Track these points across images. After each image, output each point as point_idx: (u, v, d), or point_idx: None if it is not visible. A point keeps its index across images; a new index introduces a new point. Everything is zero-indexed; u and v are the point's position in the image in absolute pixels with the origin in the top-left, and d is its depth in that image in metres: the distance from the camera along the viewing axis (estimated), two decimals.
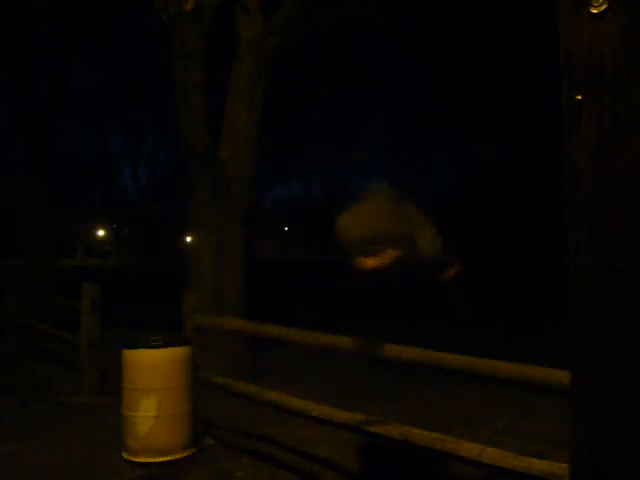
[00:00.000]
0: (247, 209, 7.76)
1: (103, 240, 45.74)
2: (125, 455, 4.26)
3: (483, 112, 20.72)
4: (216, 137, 7.59)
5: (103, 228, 45.17)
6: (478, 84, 18.90)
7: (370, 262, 3.09)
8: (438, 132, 27.89)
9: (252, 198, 8.29)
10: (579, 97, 1.36)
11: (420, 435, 3.04)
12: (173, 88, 7.58)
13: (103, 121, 30.99)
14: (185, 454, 4.28)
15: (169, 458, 4.20)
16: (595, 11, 1.31)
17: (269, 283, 17.26)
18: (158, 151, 32.38)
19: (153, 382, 4.22)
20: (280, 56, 7.86)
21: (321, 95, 22.31)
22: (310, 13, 7.83)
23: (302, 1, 7.54)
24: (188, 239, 14.07)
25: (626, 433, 1.44)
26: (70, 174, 28.88)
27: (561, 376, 2.28)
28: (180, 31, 7.24)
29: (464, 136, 25.69)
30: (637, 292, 1.36)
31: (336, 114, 27.60)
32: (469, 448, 2.85)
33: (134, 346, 4.33)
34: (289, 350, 6.49)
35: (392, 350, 3.14)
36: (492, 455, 2.76)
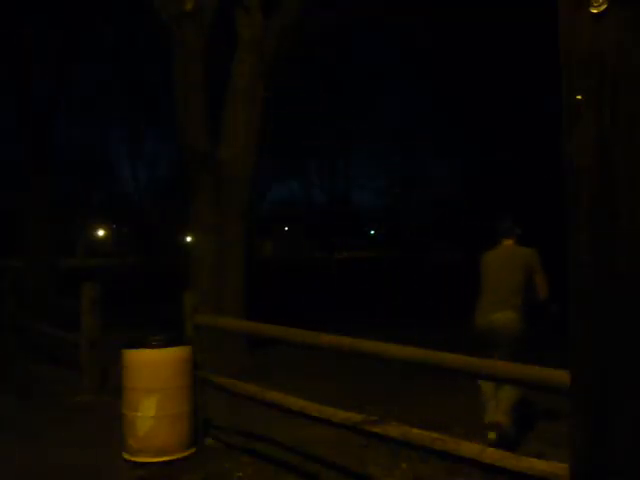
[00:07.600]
0: (247, 209, 7.77)
1: (103, 240, 45.74)
2: (125, 455, 4.26)
3: (481, 115, 20.72)
4: (216, 138, 7.58)
5: (103, 228, 45.19)
6: (477, 88, 18.91)
7: None
8: (439, 132, 27.87)
9: (252, 198, 8.30)
10: (579, 97, 1.36)
11: (420, 435, 3.04)
12: (173, 88, 7.58)
13: (104, 121, 30.99)
14: (184, 454, 4.28)
15: (168, 458, 4.19)
16: (595, 11, 1.31)
17: (269, 283, 17.26)
18: (158, 151, 32.62)
19: (153, 382, 4.21)
20: (280, 56, 7.86)
21: (322, 94, 22.36)
22: (310, 14, 7.83)
23: (302, 2, 7.55)
24: (188, 239, 14.09)
25: (625, 432, 1.44)
26: (71, 174, 28.89)
27: (561, 376, 2.27)
28: (180, 31, 7.24)
29: (464, 138, 25.63)
30: (638, 292, 1.35)
31: (337, 113, 27.61)
32: (469, 448, 2.84)
33: (134, 346, 4.32)
34: (288, 350, 6.49)
35: (394, 350, 3.13)
36: (492, 455, 2.75)
